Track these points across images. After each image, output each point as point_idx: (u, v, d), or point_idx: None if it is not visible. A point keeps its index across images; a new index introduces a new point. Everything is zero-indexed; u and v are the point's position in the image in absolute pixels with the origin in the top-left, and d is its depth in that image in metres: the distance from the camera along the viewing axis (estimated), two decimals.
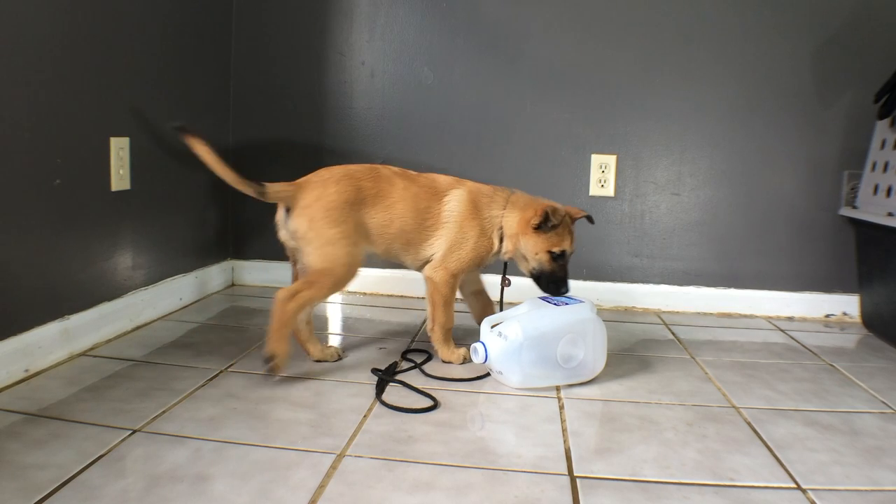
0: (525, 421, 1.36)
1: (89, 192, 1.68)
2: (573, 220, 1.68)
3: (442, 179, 1.69)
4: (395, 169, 1.68)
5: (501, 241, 1.67)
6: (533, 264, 1.64)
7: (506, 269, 1.77)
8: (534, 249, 1.62)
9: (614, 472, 1.15)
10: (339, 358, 1.68)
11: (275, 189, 1.52)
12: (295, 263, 1.64)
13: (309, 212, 1.52)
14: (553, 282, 1.64)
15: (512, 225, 1.65)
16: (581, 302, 1.59)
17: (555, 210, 1.59)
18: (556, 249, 1.61)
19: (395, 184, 1.63)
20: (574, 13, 2.27)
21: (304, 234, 1.53)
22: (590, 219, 1.75)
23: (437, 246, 1.65)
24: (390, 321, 2.08)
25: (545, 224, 1.59)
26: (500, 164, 2.33)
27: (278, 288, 1.52)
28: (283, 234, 1.59)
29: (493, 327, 1.54)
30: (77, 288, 1.65)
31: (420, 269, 1.69)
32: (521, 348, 1.47)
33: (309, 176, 1.60)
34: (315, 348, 1.66)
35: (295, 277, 1.65)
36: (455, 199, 1.65)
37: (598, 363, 1.57)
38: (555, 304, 1.57)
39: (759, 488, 1.11)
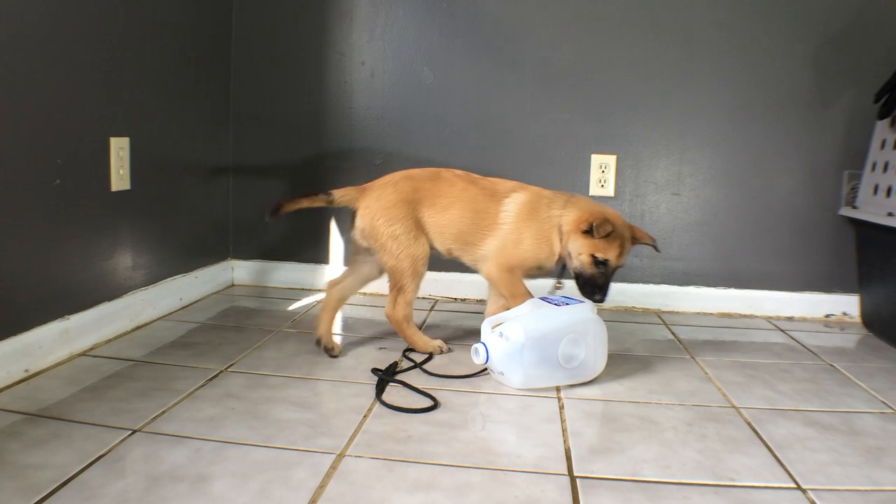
0: (525, 421, 1.36)
1: (89, 192, 1.68)
2: (635, 240, 1.68)
3: (504, 184, 1.74)
4: (459, 172, 1.75)
5: (562, 241, 1.67)
6: (576, 263, 1.64)
7: (563, 271, 1.75)
8: (578, 250, 1.63)
9: (614, 472, 1.15)
10: (337, 354, 1.68)
11: (340, 193, 1.69)
12: (355, 254, 1.77)
13: (370, 212, 1.67)
14: (590, 285, 1.63)
15: (569, 222, 1.65)
16: (581, 302, 1.59)
17: (602, 222, 1.58)
18: (599, 255, 1.61)
19: (455, 185, 1.71)
20: (574, 13, 2.27)
21: (370, 234, 1.68)
22: (655, 248, 1.76)
23: (491, 246, 1.69)
24: None
25: (592, 230, 1.59)
26: (500, 164, 2.32)
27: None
28: (354, 234, 1.72)
29: (493, 328, 1.54)
30: (77, 288, 1.65)
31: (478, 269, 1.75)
32: (522, 349, 1.47)
33: (374, 181, 1.74)
34: (325, 328, 1.71)
35: (348, 264, 1.82)
36: (514, 201, 1.69)
37: (599, 363, 1.57)
38: (556, 304, 1.57)
39: (759, 488, 1.11)
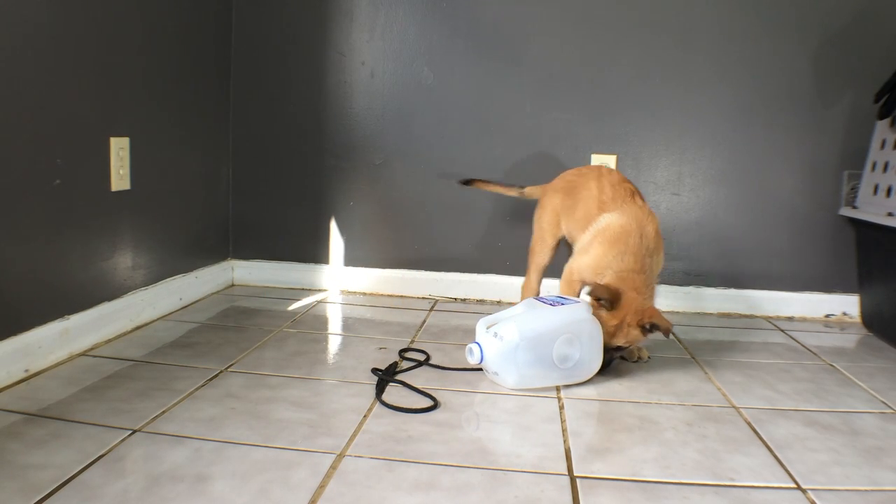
0: (525, 421, 1.36)
1: (89, 192, 1.68)
2: (653, 326, 1.54)
3: (618, 203, 1.71)
4: (615, 179, 1.78)
5: None
6: None
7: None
8: None
9: (614, 472, 1.15)
10: None
11: (530, 189, 2.05)
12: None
13: (539, 201, 1.98)
14: None
15: None
16: (577, 302, 1.58)
17: (597, 291, 1.54)
18: None
19: (590, 187, 1.79)
20: (574, 13, 2.27)
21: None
22: (665, 333, 1.55)
23: (577, 247, 1.77)
24: (390, 321, 2.08)
25: (597, 298, 1.55)
26: (499, 165, 2.33)
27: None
28: None
29: (488, 328, 1.54)
30: (77, 288, 1.65)
31: None
32: (517, 349, 1.47)
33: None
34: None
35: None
36: (605, 219, 1.70)
37: (595, 363, 1.56)
38: (550, 304, 1.57)
39: (759, 488, 1.11)
